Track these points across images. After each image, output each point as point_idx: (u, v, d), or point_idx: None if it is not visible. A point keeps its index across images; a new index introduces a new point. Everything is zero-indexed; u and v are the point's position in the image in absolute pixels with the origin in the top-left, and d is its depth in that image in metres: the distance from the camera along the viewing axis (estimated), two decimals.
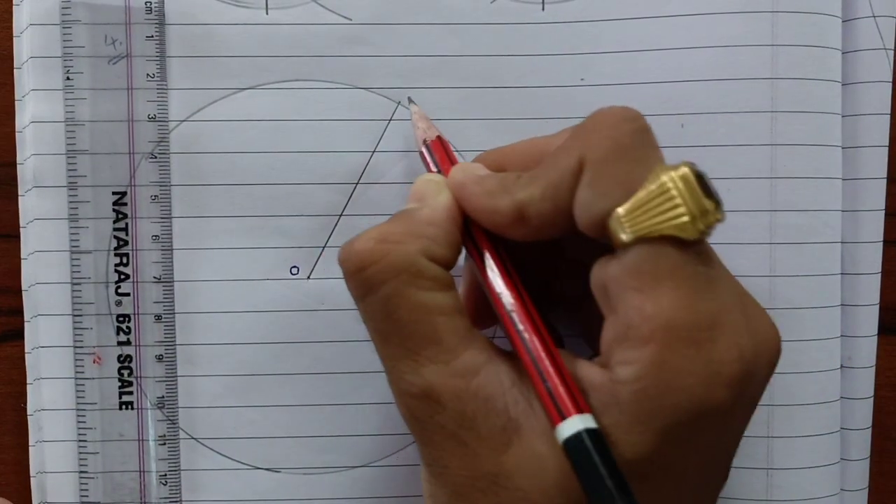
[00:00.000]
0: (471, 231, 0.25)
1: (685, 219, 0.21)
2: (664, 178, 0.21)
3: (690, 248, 0.21)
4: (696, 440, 0.22)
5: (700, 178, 0.21)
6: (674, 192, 0.21)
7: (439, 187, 0.25)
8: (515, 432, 0.22)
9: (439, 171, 0.27)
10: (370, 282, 0.23)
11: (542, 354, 0.22)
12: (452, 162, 0.28)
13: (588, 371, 0.22)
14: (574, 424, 0.21)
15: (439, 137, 0.28)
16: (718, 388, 0.21)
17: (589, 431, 0.21)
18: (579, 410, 0.21)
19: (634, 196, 0.21)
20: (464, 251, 0.26)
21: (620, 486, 0.20)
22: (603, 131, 0.22)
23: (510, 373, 0.23)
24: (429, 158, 0.28)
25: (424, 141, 0.28)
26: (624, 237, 0.21)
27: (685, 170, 0.21)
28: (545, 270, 0.28)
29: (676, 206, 0.21)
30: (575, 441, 0.21)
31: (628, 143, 0.22)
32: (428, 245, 0.24)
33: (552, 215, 0.23)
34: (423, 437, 0.23)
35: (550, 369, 0.22)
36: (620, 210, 0.21)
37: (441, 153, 0.28)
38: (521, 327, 0.23)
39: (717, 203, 0.21)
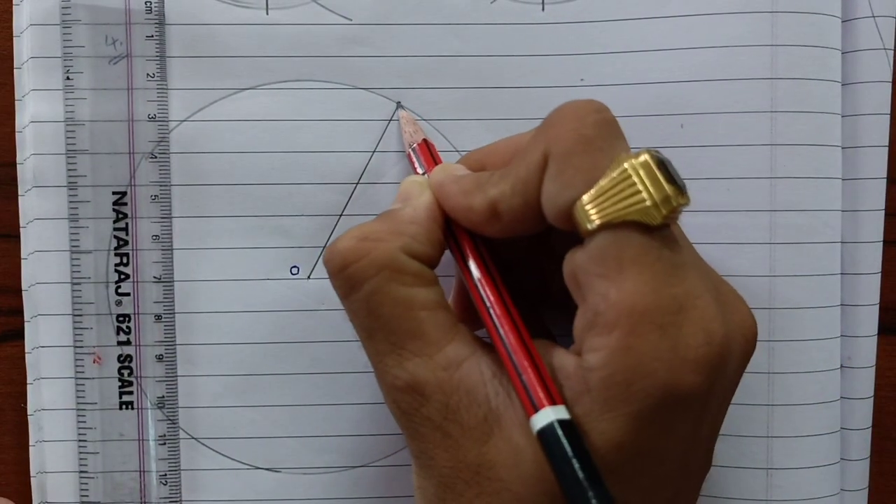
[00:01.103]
0: (452, 230, 0.26)
1: (647, 203, 0.21)
2: (625, 165, 0.21)
3: (655, 233, 0.22)
4: (669, 426, 0.22)
5: (661, 164, 0.22)
6: (634, 179, 0.21)
7: (422, 188, 0.26)
8: (496, 423, 0.22)
9: (424, 173, 0.29)
10: (353, 279, 0.24)
11: (517, 346, 0.23)
12: (437, 163, 0.29)
13: (563, 360, 0.23)
14: (546, 416, 0.21)
15: (425, 140, 0.30)
16: (686, 373, 0.21)
17: (561, 422, 0.21)
18: (552, 402, 0.22)
19: (597, 184, 0.22)
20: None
21: (592, 477, 0.21)
22: (566, 124, 0.23)
23: (491, 365, 0.23)
24: (415, 160, 0.29)
25: (411, 144, 0.30)
26: (588, 226, 0.22)
27: (645, 156, 0.22)
28: (540, 270, 0.29)
29: (638, 192, 0.21)
30: (548, 432, 0.21)
31: (591, 133, 0.22)
32: (409, 242, 0.24)
33: (522, 210, 0.23)
34: (410, 430, 0.24)
35: (524, 361, 0.23)
36: (584, 198, 0.22)
37: (426, 155, 0.29)
38: (496, 320, 0.24)
39: (680, 188, 0.22)
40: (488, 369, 0.23)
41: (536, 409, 0.22)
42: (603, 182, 0.22)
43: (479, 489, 0.22)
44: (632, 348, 0.21)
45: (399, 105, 0.31)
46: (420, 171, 0.29)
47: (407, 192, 0.27)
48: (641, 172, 0.21)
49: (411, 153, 0.30)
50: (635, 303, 0.21)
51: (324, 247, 0.32)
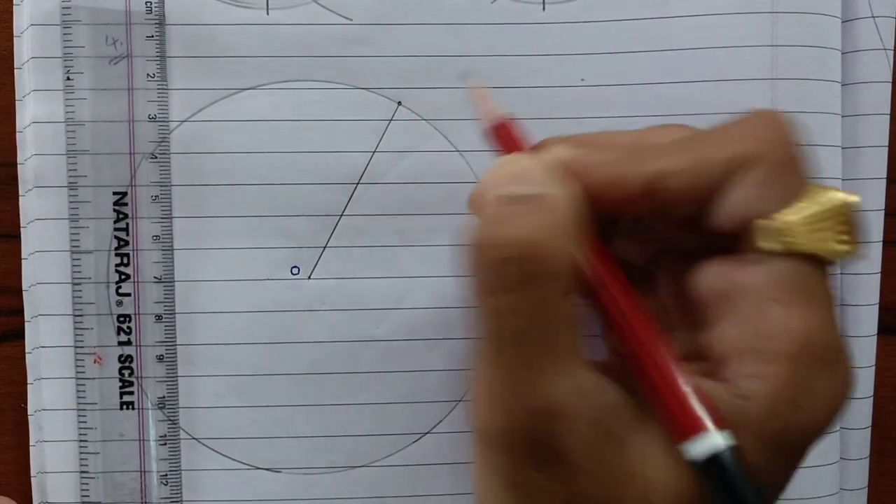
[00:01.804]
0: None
1: (846, 248, 0.21)
2: (833, 196, 0.21)
3: (828, 271, 0.21)
4: (796, 462, 0.21)
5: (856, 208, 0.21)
6: (839, 216, 0.21)
7: (551, 175, 0.21)
8: (624, 456, 0.21)
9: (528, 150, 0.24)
10: (530, 275, 0.20)
11: (671, 367, 0.21)
12: (521, 147, 0.24)
13: (706, 385, 0.21)
14: (712, 442, 0.20)
15: (506, 119, 0.25)
16: (834, 414, 0.21)
17: (731, 449, 0.20)
18: (718, 427, 0.20)
19: (801, 209, 0.21)
20: None
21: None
22: (777, 134, 0.22)
23: (620, 390, 0.21)
24: (498, 142, 0.24)
25: (492, 121, 0.24)
26: (772, 245, 0.21)
27: (850, 197, 0.21)
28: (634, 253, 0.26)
29: (840, 232, 0.21)
30: (712, 461, 0.20)
31: (797, 154, 0.22)
32: (577, 234, 0.21)
33: (684, 193, 0.21)
34: (527, 464, 0.21)
35: (680, 380, 0.21)
36: (788, 217, 0.21)
37: (514, 135, 0.24)
38: (645, 341, 0.21)
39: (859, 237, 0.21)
40: (615, 397, 0.21)
41: (689, 435, 0.20)
42: (810, 209, 0.21)
43: None
44: (802, 382, 0.20)
45: (465, 73, 0.29)
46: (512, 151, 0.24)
47: (531, 178, 0.21)
48: (847, 213, 0.21)
49: (493, 131, 0.24)
50: (812, 337, 0.20)
51: (324, 247, 0.32)
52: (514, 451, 0.21)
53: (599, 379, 0.21)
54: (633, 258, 0.25)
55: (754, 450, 0.20)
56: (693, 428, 0.20)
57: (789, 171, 0.21)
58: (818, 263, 0.21)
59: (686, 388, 0.21)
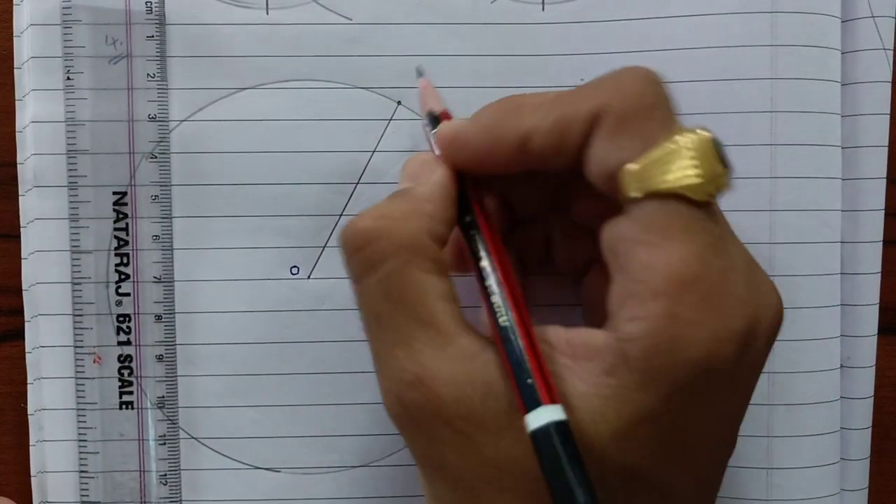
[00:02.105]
0: (469, 203, 0.25)
1: (697, 180, 0.21)
2: (679, 138, 0.21)
3: (700, 208, 0.22)
4: (702, 400, 0.21)
5: (715, 142, 0.22)
6: (687, 153, 0.21)
7: (433, 164, 0.25)
8: (516, 416, 0.21)
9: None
10: (371, 260, 0.23)
11: (522, 342, 0.22)
12: None
13: (590, 336, 0.22)
14: (542, 416, 0.20)
15: (445, 113, 0.27)
16: (725, 344, 0.21)
17: (557, 424, 0.20)
18: (551, 400, 0.21)
19: (648, 153, 0.21)
20: None
21: (585, 486, 0.20)
22: (627, 86, 0.22)
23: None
24: (430, 137, 0.27)
25: (430, 113, 0.27)
26: (633, 193, 0.21)
27: (702, 133, 0.22)
28: (545, 235, 0.28)
29: (689, 167, 0.21)
30: (542, 434, 0.20)
31: (651, 102, 0.22)
32: (428, 222, 0.23)
33: (554, 150, 0.23)
34: (417, 434, 0.23)
35: (525, 356, 0.21)
36: (633, 165, 0.21)
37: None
38: (503, 308, 0.22)
39: (728, 169, 0.22)
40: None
41: (533, 407, 0.21)
42: (655, 152, 0.21)
43: (501, 485, 0.21)
44: (677, 317, 0.21)
45: (418, 70, 0.30)
46: (437, 151, 0.26)
47: (415, 171, 0.25)
48: (695, 148, 0.21)
49: (426, 127, 0.27)
50: (682, 271, 0.21)
51: (324, 247, 0.32)
52: (401, 427, 0.23)
53: (485, 347, 0.22)
54: (574, 260, 0.27)
55: (640, 389, 0.21)
56: (529, 401, 0.21)
57: (637, 121, 0.22)
58: (685, 202, 0.21)
59: (525, 358, 0.21)
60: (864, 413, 0.32)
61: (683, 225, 0.21)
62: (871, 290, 0.32)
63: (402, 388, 0.22)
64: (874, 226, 0.32)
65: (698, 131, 0.22)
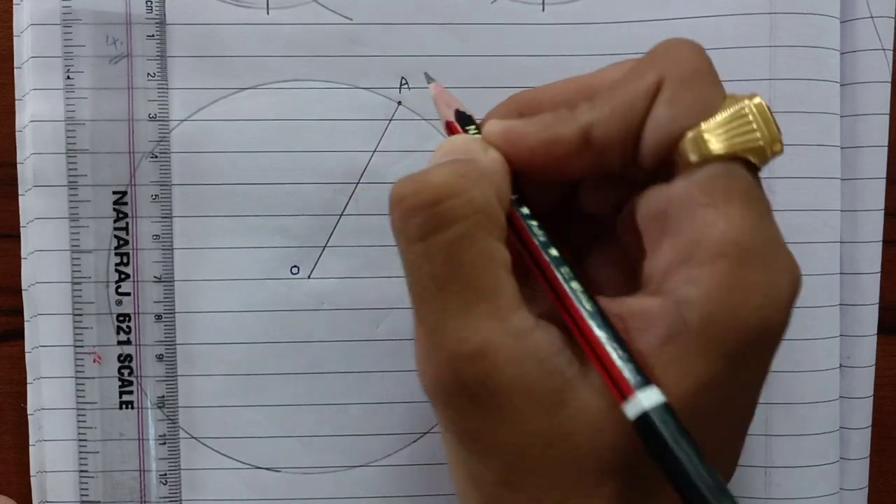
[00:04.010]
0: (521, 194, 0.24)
1: (760, 143, 0.22)
2: (743, 103, 0.22)
3: (756, 173, 0.22)
4: (751, 365, 0.21)
5: (770, 109, 0.22)
6: (751, 118, 0.22)
7: (484, 145, 0.23)
8: (571, 392, 0.21)
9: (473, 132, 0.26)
10: (443, 217, 0.21)
11: (601, 324, 0.21)
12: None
13: (642, 304, 0.21)
14: (645, 400, 0.20)
15: (460, 111, 0.27)
16: (779, 309, 0.21)
17: (659, 408, 0.19)
18: (646, 383, 0.20)
19: (715, 116, 0.22)
20: None
21: (709, 472, 0.19)
22: (682, 53, 0.22)
23: (560, 334, 0.22)
24: (459, 128, 0.26)
25: (456, 111, 0.26)
26: (695, 157, 0.21)
27: (759, 99, 0.22)
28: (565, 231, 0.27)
29: (753, 130, 0.22)
30: (647, 419, 0.19)
31: (706, 67, 0.22)
32: (499, 190, 0.22)
33: (621, 137, 0.22)
34: (470, 408, 0.21)
35: (610, 341, 0.21)
36: (703, 126, 0.21)
37: (471, 124, 0.26)
38: (575, 294, 0.21)
39: (781, 134, 0.22)
40: (558, 339, 0.21)
41: (628, 393, 0.20)
42: (722, 115, 0.22)
43: (554, 461, 0.21)
44: (737, 280, 0.20)
45: (427, 76, 0.29)
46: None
47: (465, 149, 0.23)
48: (756, 112, 0.22)
49: (453, 121, 0.26)
50: (744, 235, 0.21)
51: (324, 247, 0.32)
52: (451, 401, 0.21)
53: (540, 322, 0.21)
54: (600, 208, 0.26)
55: (700, 354, 0.20)
56: (624, 388, 0.20)
57: (697, 85, 0.22)
58: (743, 164, 0.22)
59: (611, 346, 0.21)
60: (863, 412, 0.32)
61: (743, 189, 0.21)
62: (870, 289, 0.32)
63: (461, 361, 0.21)
64: (874, 226, 0.32)
65: (755, 97, 0.22)
